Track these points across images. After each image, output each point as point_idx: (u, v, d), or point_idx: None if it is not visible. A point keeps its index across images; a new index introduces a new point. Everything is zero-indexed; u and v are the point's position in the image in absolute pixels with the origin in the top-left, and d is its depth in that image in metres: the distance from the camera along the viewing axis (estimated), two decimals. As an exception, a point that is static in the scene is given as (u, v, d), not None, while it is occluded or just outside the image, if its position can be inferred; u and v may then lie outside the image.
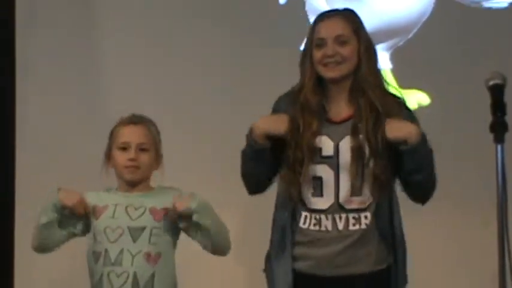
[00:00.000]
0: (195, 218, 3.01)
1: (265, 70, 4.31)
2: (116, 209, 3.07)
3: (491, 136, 2.41)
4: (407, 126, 2.86)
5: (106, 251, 3.04)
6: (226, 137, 4.22)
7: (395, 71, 4.33)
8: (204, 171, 4.22)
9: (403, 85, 4.37)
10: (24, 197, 4.28)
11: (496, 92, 2.46)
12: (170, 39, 4.41)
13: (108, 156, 3.15)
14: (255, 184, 3.01)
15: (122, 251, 3.03)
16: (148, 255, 3.03)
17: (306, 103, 2.92)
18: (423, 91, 4.34)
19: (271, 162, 2.94)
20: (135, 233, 3.04)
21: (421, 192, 2.96)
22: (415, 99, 4.30)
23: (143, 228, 3.04)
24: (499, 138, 2.38)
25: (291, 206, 2.93)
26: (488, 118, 2.43)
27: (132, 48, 4.41)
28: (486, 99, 2.48)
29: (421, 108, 4.28)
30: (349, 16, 2.99)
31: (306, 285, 2.92)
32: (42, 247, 3.11)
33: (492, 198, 2.43)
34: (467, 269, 4.24)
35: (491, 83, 2.48)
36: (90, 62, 4.44)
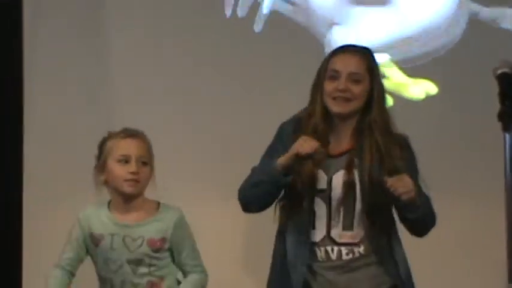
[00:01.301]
0: None
1: (267, 70, 4.30)
2: (113, 239, 3.03)
3: (498, 127, 2.40)
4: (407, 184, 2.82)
5: (110, 280, 3.05)
6: (226, 137, 4.21)
7: (403, 60, 4.32)
8: (204, 170, 4.23)
9: (411, 74, 4.36)
10: (31, 193, 4.29)
11: (504, 80, 2.44)
12: (174, 40, 4.39)
13: (101, 169, 3.07)
14: (254, 207, 3.01)
15: (124, 283, 3.03)
16: (150, 283, 3.04)
17: (314, 133, 2.91)
18: (431, 80, 4.33)
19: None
20: (135, 265, 3.02)
21: (417, 229, 2.96)
22: (423, 88, 4.29)
23: (141, 261, 3.02)
24: (507, 127, 2.37)
25: (307, 244, 2.92)
26: (496, 109, 2.42)
27: (138, 48, 4.40)
28: (494, 89, 2.47)
29: (428, 97, 4.28)
30: (366, 55, 3.00)
31: None
32: None
33: (500, 188, 2.42)
34: (474, 260, 4.24)
35: (499, 71, 2.46)
36: (96, 62, 4.43)
